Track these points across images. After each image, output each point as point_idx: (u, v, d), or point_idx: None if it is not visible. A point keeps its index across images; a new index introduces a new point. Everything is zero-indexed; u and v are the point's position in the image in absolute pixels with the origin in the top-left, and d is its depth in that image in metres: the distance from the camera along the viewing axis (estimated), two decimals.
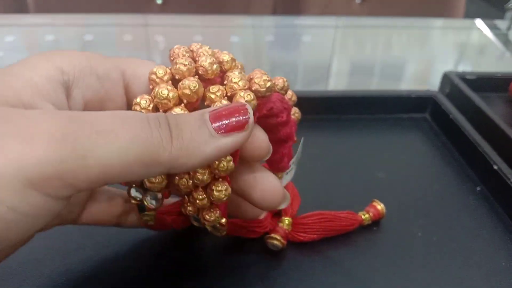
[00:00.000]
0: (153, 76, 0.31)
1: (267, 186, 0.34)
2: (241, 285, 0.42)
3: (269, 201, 0.34)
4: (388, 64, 1.02)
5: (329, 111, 0.68)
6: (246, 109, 0.28)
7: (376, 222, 0.50)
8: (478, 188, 0.56)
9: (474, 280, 0.45)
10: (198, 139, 0.26)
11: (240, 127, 0.27)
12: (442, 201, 0.54)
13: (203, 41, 0.38)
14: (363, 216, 0.50)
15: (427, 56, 1.08)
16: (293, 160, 0.44)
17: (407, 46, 1.14)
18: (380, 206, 0.50)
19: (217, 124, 0.27)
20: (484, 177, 0.57)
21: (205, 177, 0.30)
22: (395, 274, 0.45)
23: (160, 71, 0.31)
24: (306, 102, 0.68)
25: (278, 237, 0.45)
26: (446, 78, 0.73)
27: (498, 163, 0.55)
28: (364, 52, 1.08)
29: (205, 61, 0.31)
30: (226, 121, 0.27)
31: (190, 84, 0.29)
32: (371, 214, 0.50)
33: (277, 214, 0.47)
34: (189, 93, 0.29)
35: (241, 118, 0.28)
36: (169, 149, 0.25)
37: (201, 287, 0.42)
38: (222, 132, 0.27)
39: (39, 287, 0.40)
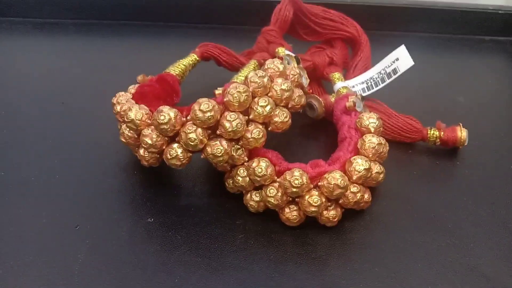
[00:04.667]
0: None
1: None
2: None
3: None
4: None
5: (395, 26, 0.55)
6: None
7: (455, 151, 0.39)
8: None
9: None
10: None
11: None
12: None
13: None
14: (429, 132, 0.38)
15: None
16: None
17: None
18: (461, 131, 0.38)
19: None
20: None
21: None
22: (482, 216, 0.34)
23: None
24: (366, 14, 0.55)
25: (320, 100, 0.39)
26: None
27: None
28: None
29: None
30: None
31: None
32: (442, 134, 0.38)
33: None
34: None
35: None
36: None
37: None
38: None
39: None
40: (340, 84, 0.40)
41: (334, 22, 0.44)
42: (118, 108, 0.33)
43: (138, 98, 0.34)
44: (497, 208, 0.34)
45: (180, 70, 0.40)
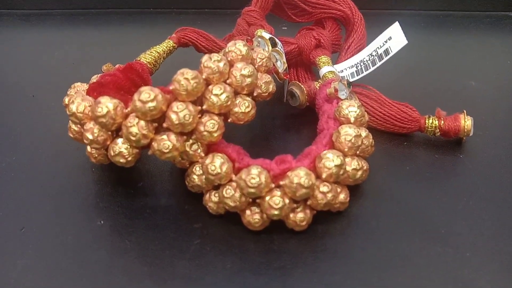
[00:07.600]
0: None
1: None
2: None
3: None
4: None
5: (407, 3, 0.51)
6: None
7: (459, 143, 0.34)
8: None
9: None
10: None
11: None
12: None
13: None
14: (427, 121, 0.33)
15: None
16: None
17: None
18: (465, 120, 0.33)
19: None
20: None
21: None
22: (484, 221, 0.29)
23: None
24: None
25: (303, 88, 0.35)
26: None
27: None
28: None
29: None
30: None
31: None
32: (442, 123, 0.33)
33: None
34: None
35: None
36: None
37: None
38: None
39: None
40: (326, 68, 0.36)
41: (324, 0, 0.39)
42: (66, 100, 0.30)
43: (95, 89, 0.31)
44: (504, 212, 0.29)
45: (152, 57, 0.37)
